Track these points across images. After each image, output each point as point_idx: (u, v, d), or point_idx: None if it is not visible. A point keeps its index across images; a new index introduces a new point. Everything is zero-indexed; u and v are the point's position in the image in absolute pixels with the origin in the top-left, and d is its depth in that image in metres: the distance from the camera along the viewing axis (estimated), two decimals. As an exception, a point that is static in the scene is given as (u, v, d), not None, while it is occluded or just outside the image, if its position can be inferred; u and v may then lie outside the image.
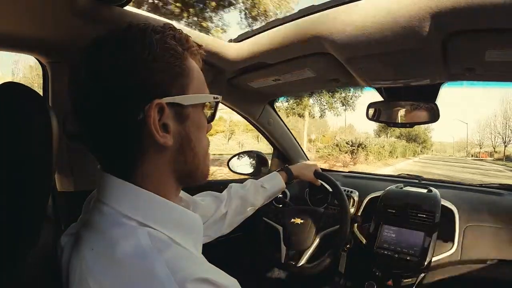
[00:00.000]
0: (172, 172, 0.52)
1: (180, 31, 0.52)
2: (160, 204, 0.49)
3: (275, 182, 1.15)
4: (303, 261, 1.18)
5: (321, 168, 1.37)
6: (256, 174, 1.68)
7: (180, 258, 0.44)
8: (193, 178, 0.56)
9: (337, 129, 42.40)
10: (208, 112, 0.58)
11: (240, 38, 1.15)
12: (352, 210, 1.44)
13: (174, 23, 0.94)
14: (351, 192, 1.48)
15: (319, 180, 1.28)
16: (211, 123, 0.60)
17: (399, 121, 1.28)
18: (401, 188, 1.41)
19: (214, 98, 0.56)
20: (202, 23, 8.08)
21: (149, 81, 0.46)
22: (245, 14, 9.07)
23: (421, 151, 46.95)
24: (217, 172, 7.37)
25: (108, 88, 0.45)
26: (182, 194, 0.80)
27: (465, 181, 1.63)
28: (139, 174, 0.49)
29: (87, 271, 0.42)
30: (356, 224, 1.37)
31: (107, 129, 0.47)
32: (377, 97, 1.33)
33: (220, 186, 1.08)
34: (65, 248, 0.51)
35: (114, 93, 0.45)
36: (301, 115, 16.78)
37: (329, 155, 18.41)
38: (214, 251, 0.80)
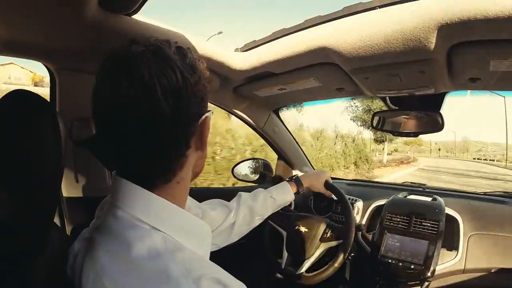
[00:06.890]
0: (191, 174, 0.56)
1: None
2: (173, 211, 0.51)
3: (284, 192, 1.14)
4: (302, 269, 1.17)
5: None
6: (261, 181, 1.68)
7: (193, 260, 0.46)
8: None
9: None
10: None
11: (246, 48, 1.16)
12: (356, 218, 1.43)
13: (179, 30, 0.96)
14: (356, 200, 1.48)
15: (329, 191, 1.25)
16: None
17: (404, 130, 1.29)
18: (406, 196, 1.40)
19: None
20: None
21: (199, 98, 0.50)
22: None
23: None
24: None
25: (159, 104, 0.45)
26: (191, 202, 0.81)
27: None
28: (175, 180, 0.52)
29: (102, 272, 0.43)
30: (360, 232, 1.36)
31: (150, 141, 0.46)
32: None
33: (229, 193, 1.08)
34: (78, 253, 0.52)
35: (165, 109, 0.45)
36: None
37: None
38: (219, 258, 0.80)
